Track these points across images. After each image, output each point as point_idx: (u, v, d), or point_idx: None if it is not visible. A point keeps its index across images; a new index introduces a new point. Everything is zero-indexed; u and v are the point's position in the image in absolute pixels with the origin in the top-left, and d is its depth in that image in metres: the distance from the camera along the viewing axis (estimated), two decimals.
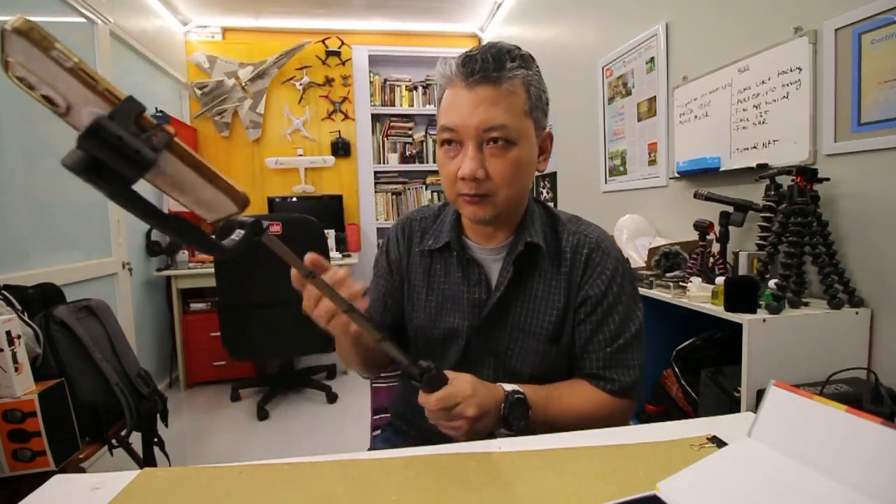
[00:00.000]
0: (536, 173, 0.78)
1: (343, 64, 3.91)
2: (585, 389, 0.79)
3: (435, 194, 4.12)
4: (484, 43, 0.73)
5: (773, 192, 1.25)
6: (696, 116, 1.68)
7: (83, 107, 0.29)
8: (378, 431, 1.13)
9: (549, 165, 2.95)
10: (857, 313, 1.12)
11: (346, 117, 3.96)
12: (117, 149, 0.27)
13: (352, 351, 0.82)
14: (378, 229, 4.03)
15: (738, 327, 1.07)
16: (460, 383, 0.65)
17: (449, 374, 0.66)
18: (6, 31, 0.25)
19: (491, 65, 0.68)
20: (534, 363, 0.79)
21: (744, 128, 1.47)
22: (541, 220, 0.82)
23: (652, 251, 1.54)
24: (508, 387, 0.71)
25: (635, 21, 2.02)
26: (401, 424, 0.92)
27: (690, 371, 1.35)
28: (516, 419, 0.69)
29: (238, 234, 0.38)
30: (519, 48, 0.73)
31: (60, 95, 0.29)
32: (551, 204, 2.87)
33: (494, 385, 0.71)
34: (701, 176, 1.64)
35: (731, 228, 1.38)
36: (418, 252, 0.85)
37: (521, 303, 0.80)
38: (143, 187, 0.31)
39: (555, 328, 0.78)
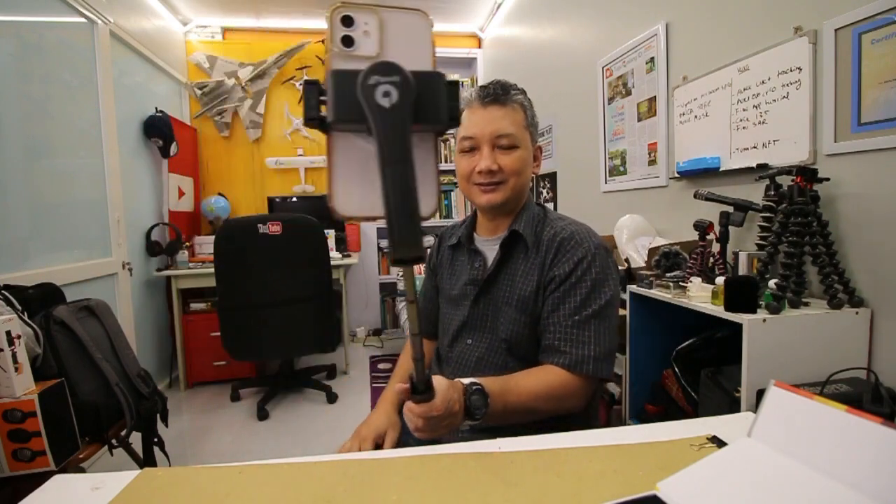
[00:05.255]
0: (532, 175, 1.02)
1: None
2: (540, 371, 0.89)
3: None
4: (492, 79, 0.99)
5: (773, 192, 1.25)
6: (696, 116, 1.68)
7: (397, 59, 0.39)
8: None
9: (550, 165, 2.97)
10: (857, 313, 1.12)
11: None
12: (407, 92, 0.38)
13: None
14: (378, 229, 4.03)
15: (738, 327, 1.07)
16: (438, 401, 0.67)
17: (436, 385, 0.68)
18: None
19: (500, 90, 0.95)
20: (510, 330, 0.96)
21: (744, 128, 1.47)
22: (533, 217, 1.01)
23: (652, 251, 1.54)
24: (466, 381, 0.76)
25: (635, 21, 2.02)
26: None
27: (690, 371, 1.35)
28: (478, 409, 0.75)
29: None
30: (516, 84, 0.99)
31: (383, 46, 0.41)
32: (550, 205, 2.87)
33: (453, 382, 0.73)
34: (701, 176, 1.64)
35: (731, 228, 1.38)
36: (445, 247, 1.14)
37: (505, 278, 0.98)
38: None
39: (525, 299, 0.95)
